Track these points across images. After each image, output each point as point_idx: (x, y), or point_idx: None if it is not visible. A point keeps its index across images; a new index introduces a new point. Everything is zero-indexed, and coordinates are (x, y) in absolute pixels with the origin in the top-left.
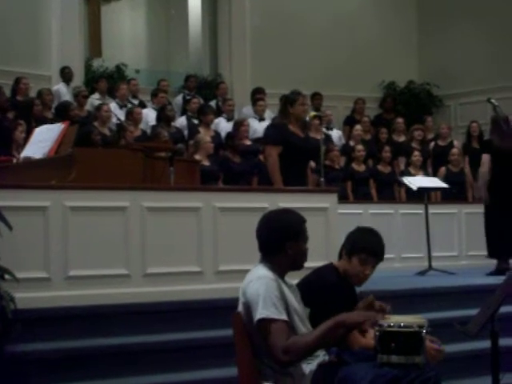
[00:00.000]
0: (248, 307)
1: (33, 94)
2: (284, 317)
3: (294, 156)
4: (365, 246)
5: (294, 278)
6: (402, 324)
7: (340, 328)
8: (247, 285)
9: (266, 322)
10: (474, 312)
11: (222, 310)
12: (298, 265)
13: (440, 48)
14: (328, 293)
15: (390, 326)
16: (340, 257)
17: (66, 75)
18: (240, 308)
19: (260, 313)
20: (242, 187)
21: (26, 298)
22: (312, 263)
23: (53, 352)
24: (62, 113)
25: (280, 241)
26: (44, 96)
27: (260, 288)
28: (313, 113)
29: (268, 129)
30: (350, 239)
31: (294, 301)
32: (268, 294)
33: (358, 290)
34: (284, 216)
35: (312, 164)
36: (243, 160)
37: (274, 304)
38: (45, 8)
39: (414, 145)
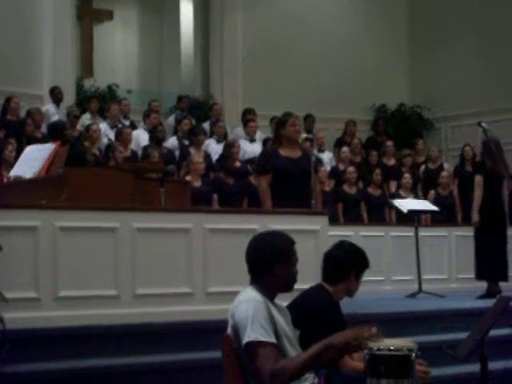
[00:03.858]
0: (236, 330)
1: (24, 113)
2: (272, 339)
3: (285, 180)
4: (364, 263)
5: (283, 300)
6: (391, 347)
7: (328, 350)
8: (236, 307)
9: (253, 344)
10: (463, 335)
11: (212, 331)
12: (287, 287)
13: (431, 71)
14: (319, 314)
15: (379, 350)
16: (329, 279)
17: (56, 95)
18: (229, 330)
19: (248, 335)
20: (232, 209)
21: (15, 318)
22: (302, 285)
23: (42, 373)
24: (56, 132)
25: (269, 263)
26: (34, 115)
27: (248, 310)
28: (304, 135)
29: (258, 158)
30: (356, 262)
31: (284, 323)
32: (256, 316)
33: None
34: (273, 238)
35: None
36: (235, 181)
37: (263, 326)
38: (37, 27)
39: (403, 168)
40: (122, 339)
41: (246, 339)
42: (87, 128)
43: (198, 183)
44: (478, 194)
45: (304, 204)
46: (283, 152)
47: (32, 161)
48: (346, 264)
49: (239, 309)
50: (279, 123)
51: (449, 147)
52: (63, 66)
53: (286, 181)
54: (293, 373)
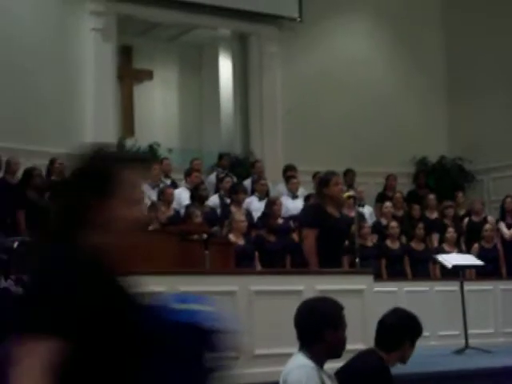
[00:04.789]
0: None
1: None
2: None
3: (330, 237)
4: (419, 331)
5: (335, 362)
6: None
7: None
8: (287, 374)
9: None
10: None
11: None
12: (336, 353)
13: (470, 122)
14: (373, 378)
15: None
16: (383, 346)
17: None
18: None
19: None
20: (278, 270)
21: None
22: (349, 346)
23: None
24: None
25: (319, 329)
26: None
27: (301, 377)
28: (347, 193)
29: (304, 210)
30: (411, 331)
31: None
32: (309, 383)
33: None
34: (322, 304)
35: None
36: (277, 239)
37: None
38: (78, 88)
39: (446, 221)
40: None
41: None
42: None
43: (240, 241)
44: None
45: (341, 264)
46: (329, 209)
47: None
48: (400, 333)
49: (292, 375)
50: (322, 182)
51: (491, 199)
52: (105, 126)
53: (332, 238)
54: None
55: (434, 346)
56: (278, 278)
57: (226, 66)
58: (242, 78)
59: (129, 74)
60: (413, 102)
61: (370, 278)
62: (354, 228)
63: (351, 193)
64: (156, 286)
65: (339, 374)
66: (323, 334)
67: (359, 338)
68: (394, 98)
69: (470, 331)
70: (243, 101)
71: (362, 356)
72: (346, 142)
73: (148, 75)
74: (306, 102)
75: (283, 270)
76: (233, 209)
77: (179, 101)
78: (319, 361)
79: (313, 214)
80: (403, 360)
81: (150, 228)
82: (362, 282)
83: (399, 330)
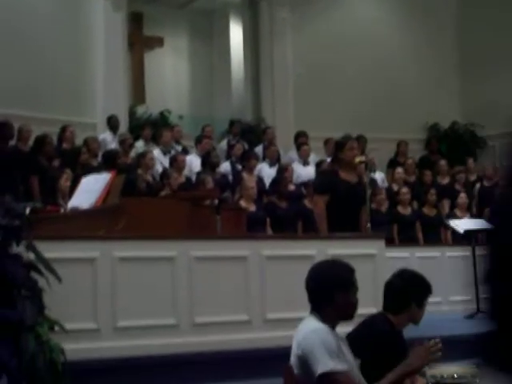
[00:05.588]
0: (304, 361)
1: (78, 141)
2: (346, 367)
3: (342, 203)
4: (430, 291)
5: (343, 327)
6: (455, 375)
7: (407, 376)
8: (303, 338)
9: (331, 375)
10: None
11: (270, 358)
12: (348, 316)
13: (483, 88)
14: (380, 343)
15: (443, 378)
16: (390, 309)
17: (112, 124)
18: (292, 361)
19: (322, 366)
20: (289, 235)
21: (75, 349)
22: (360, 310)
23: None
24: (110, 161)
25: (330, 292)
26: (90, 144)
27: (317, 341)
28: (358, 159)
29: (316, 177)
30: (416, 293)
31: (347, 352)
32: (327, 346)
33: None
34: (333, 267)
35: None
36: (288, 205)
37: (337, 356)
38: (89, 56)
39: (457, 187)
40: (182, 368)
41: (320, 370)
42: (143, 156)
43: (251, 208)
44: None
45: (356, 228)
46: (343, 175)
47: (89, 192)
48: (405, 295)
49: (307, 339)
50: (338, 146)
51: (503, 164)
52: (116, 94)
53: (343, 204)
54: None
55: (446, 311)
56: (289, 243)
57: (236, 33)
58: (253, 45)
59: (139, 41)
60: (425, 67)
61: (381, 243)
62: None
63: (362, 158)
64: (169, 251)
65: (348, 338)
66: (334, 297)
67: (371, 303)
68: (406, 64)
69: (481, 296)
70: (254, 67)
71: (370, 320)
72: (357, 108)
73: (158, 42)
74: (318, 68)
75: (295, 235)
76: (244, 175)
77: (190, 68)
78: (330, 323)
79: (323, 180)
80: (414, 321)
81: (162, 194)
82: (373, 247)
83: (405, 290)
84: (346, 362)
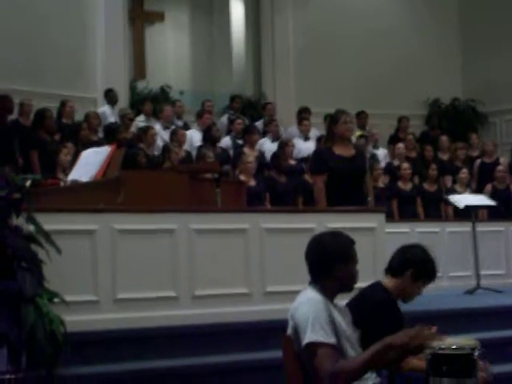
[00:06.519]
0: (297, 330)
1: (78, 116)
2: (332, 340)
3: (340, 180)
4: (432, 274)
5: (340, 299)
6: (453, 346)
7: (389, 351)
8: (296, 308)
9: (313, 345)
10: None
11: (270, 331)
12: (347, 287)
13: (484, 64)
14: (379, 310)
15: (441, 349)
16: (392, 272)
17: (110, 97)
18: (289, 331)
19: (308, 336)
20: (289, 208)
21: (75, 321)
22: (359, 283)
23: (102, 375)
24: (111, 135)
25: (329, 263)
26: (91, 119)
27: (309, 311)
28: (358, 132)
29: (312, 156)
30: (416, 262)
31: (344, 324)
32: (316, 317)
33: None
34: (333, 238)
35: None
36: (288, 180)
37: (323, 327)
38: (89, 31)
39: (458, 163)
40: (181, 340)
41: (306, 340)
42: (144, 131)
43: (251, 182)
44: None
45: (358, 202)
46: (337, 150)
47: (88, 165)
48: (407, 260)
49: (299, 310)
50: (331, 121)
51: (503, 141)
52: (116, 69)
53: (341, 180)
54: (352, 373)
55: (446, 286)
56: (288, 216)
57: (237, 7)
58: (254, 20)
59: (140, 16)
60: (427, 43)
61: (381, 217)
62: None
63: (362, 132)
64: (169, 224)
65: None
66: (334, 269)
67: (370, 276)
68: (407, 40)
69: (481, 272)
70: (255, 42)
71: (367, 290)
72: (358, 83)
73: (159, 17)
74: (319, 44)
75: (294, 209)
76: (246, 150)
77: (191, 43)
78: (329, 294)
79: (319, 159)
80: (404, 295)
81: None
82: (373, 220)
83: (407, 255)
84: (334, 336)
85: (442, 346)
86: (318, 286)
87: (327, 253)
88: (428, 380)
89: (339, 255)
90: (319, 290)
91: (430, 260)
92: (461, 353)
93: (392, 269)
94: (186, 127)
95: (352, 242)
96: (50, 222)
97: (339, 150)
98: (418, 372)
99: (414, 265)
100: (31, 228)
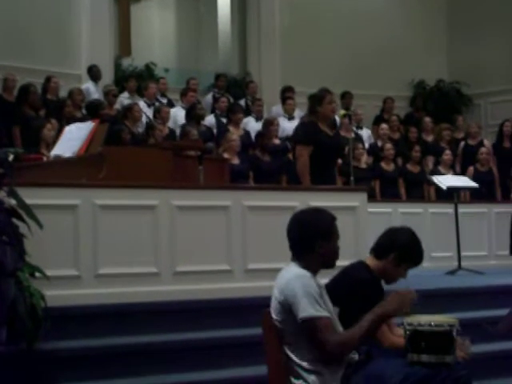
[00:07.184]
0: (287, 306)
1: (63, 92)
2: (326, 313)
3: (323, 155)
4: (416, 260)
5: (322, 277)
6: (432, 323)
7: (382, 320)
8: (285, 284)
9: (312, 320)
10: (503, 312)
11: (251, 308)
12: (329, 263)
13: (470, 46)
14: (362, 288)
15: (420, 325)
16: (376, 253)
17: (93, 74)
18: (273, 306)
19: (304, 311)
20: (272, 186)
21: (55, 295)
22: (341, 262)
23: (82, 349)
24: (93, 111)
25: (311, 240)
26: (75, 96)
27: (300, 287)
28: (342, 111)
29: (298, 128)
30: (400, 246)
31: (326, 299)
32: (309, 291)
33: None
34: (314, 215)
35: (339, 162)
36: (272, 159)
37: (317, 302)
38: (74, 7)
39: (442, 144)
40: (162, 317)
41: (302, 315)
42: (130, 108)
43: (234, 160)
44: None
45: (331, 181)
46: (322, 127)
47: (71, 140)
48: (391, 243)
49: (290, 285)
50: (316, 100)
51: (488, 123)
52: (101, 46)
53: (325, 156)
54: (355, 343)
55: (427, 267)
56: (271, 194)
57: None
58: None
59: None
60: (412, 25)
61: (363, 196)
62: (347, 149)
63: (346, 112)
64: (151, 200)
65: (327, 287)
66: (315, 245)
67: (352, 255)
68: (393, 21)
69: (463, 253)
70: (241, 21)
71: (349, 269)
72: (344, 64)
73: None
74: (304, 23)
75: (277, 186)
76: (231, 129)
77: (176, 20)
78: (312, 271)
79: (307, 131)
80: (386, 277)
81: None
82: (355, 199)
83: (392, 238)
84: (326, 309)
85: (422, 323)
86: (300, 263)
87: (309, 229)
88: (407, 356)
89: (321, 231)
90: (302, 266)
91: (416, 245)
92: (439, 330)
93: (376, 250)
94: (170, 104)
95: (333, 219)
96: (32, 197)
97: (323, 128)
98: (397, 348)
99: (398, 249)
100: (13, 202)
